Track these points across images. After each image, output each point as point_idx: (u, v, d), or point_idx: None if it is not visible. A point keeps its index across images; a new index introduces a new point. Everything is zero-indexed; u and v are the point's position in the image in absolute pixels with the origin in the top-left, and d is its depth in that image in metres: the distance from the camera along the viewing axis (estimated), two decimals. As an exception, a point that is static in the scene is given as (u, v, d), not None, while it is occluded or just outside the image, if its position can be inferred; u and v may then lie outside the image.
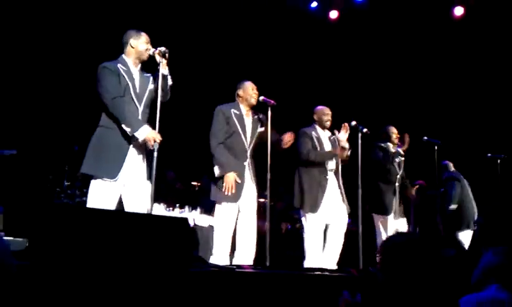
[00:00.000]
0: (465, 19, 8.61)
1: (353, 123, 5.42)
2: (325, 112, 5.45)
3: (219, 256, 4.55)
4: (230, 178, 4.58)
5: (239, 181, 4.62)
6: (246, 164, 4.76)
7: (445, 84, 8.74)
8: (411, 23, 8.59)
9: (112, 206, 3.89)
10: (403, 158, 6.02)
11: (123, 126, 3.90)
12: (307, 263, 5.13)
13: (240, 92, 4.88)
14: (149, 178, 3.94)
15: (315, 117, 5.47)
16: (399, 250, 1.89)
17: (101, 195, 3.88)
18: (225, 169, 4.60)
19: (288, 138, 4.91)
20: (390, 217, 5.85)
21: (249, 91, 4.85)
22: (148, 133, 3.90)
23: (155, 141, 3.87)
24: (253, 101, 4.84)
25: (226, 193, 4.56)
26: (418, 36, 8.68)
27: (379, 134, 6.12)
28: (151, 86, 4.18)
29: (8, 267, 0.95)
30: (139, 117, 4.03)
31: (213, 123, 4.77)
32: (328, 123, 5.44)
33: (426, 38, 8.68)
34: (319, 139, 5.36)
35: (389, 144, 6.05)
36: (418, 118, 8.06)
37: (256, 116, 4.94)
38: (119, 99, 3.92)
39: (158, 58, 4.06)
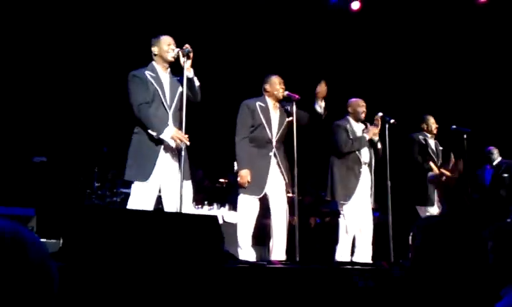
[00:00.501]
0: (489, 4, 8.43)
1: (380, 114, 5.38)
2: (360, 104, 5.41)
3: (244, 249, 4.60)
4: (243, 174, 4.63)
5: (249, 180, 4.63)
6: (271, 154, 4.77)
7: (471, 71, 8.58)
8: (435, 11, 8.45)
9: (149, 206, 3.98)
10: (441, 148, 6.01)
11: (149, 131, 4.02)
12: (339, 250, 5.20)
13: (267, 86, 4.90)
14: (186, 177, 4.07)
15: (350, 109, 5.43)
16: (435, 229, 1.85)
17: (138, 197, 4.02)
18: (241, 165, 4.68)
19: (321, 88, 4.87)
20: (434, 209, 5.81)
21: (276, 85, 4.87)
22: (173, 133, 4.01)
23: (181, 141, 3.95)
24: (280, 95, 4.85)
25: (241, 187, 4.65)
26: (441, 24, 8.53)
27: (416, 124, 6.06)
28: (181, 89, 4.21)
29: (49, 271, 0.95)
30: (170, 120, 4.11)
31: (238, 118, 4.82)
32: (363, 115, 5.40)
33: (450, 26, 8.53)
34: (353, 131, 5.35)
35: (427, 134, 5.99)
36: (445, 106, 7.92)
37: (283, 108, 4.95)
38: (144, 106, 4.03)
39: (182, 59, 4.11)
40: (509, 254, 1.92)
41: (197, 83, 4.26)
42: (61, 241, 3.08)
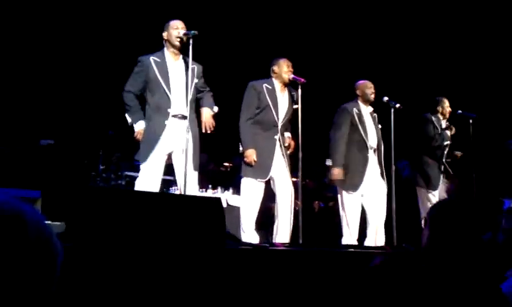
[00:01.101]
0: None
1: (385, 98, 5.35)
2: (368, 86, 5.36)
3: (247, 232, 4.62)
4: (249, 153, 4.64)
5: (255, 159, 4.65)
6: (276, 138, 4.78)
7: (478, 57, 8.51)
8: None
9: (152, 187, 4.12)
10: (450, 132, 6.00)
11: (126, 115, 4.33)
12: (345, 241, 5.13)
13: (275, 68, 4.89)
14: (195, 168, 4.24)
15: (358, 92, 5.36)
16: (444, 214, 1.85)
17: (141, 177, 4.25)
18: (245, 145, 4.68)
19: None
20: (436, 193, 5.78)
21: (284, 67, 4.86)
22: (138, 131, 4.27)
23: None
24: (287, 78, 4.84)
25: (247, 168, 4.67)
26: (449, 5, 8.46)
27: (430, 106, 6.05)
28: (191, 77, 4.26)
29: (50, 249, 0.96)
30: (172, 107, 4.20)
31: (244, 99, 4.83)
32: (372, 96, 5.33)
33: (458, 6, 8.45)
34: (360, 115, 5.26)
35: (440, 116, 5.98)
36: (451, 90, 7.88)
37: (291, 94, 4.94)
38: (128, 94, 4.31)
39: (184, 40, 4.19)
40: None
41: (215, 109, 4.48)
42: (66, 223, 3.11)
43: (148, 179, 4.16)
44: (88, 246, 2.64)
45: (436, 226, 1.82)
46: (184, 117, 4.17)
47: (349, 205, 5.16)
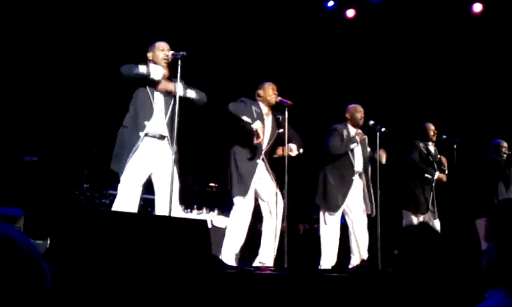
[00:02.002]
0: (484, 16, 8.49)
1: (371, 122, 5.40)
2: (358, 110, 5.43)
3: (227, 252, 4.62)
4: (256, 125, 4.61)
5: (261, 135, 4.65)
6: (259, 161, 4.79)
7: (462, 80, 8.63)
8: (428, 20, 8.50)
9: (129, 199, 4.06)
10: (439, 156, 6.06)
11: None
12: (323, 263, 5.14)
13: (260, 92, 4.94)
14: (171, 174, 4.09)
15: (348, 115, 5.44)
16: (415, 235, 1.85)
17: (120, 189, 4.14)
18: (248, 119, 4.66)
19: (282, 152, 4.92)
20: (422, 218, 5.81)
21: (269, 91, 4.91)
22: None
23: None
24: (273, 101, 4.88)
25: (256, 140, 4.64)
26: (435, 33, 8.58)
27: (415, 131, 6.12)
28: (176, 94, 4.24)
29: (40, 273, 0.94)
30: (151, 120, 4.16)
31: (233, 105, 4.79)
32: (362, 121, 5.41)
33: (443, 35, 8.58)
34: (349, 137, 5.33)
35: (428, 142, 6.05)
36: (436, 115, 7.97)
37: (276, 117, 4.96)
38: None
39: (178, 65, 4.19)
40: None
41: (191, 95, 4.32)
42: (48, 242, 3.07)
43: (126, 192, 4.13)
44: (71, 267, 2.59)
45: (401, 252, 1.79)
46: (166, 138, 4.18)
47: (329, 227, 5.22)
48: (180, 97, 4.21)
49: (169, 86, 4.22)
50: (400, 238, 1.89)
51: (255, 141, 4.63)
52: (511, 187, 6.26)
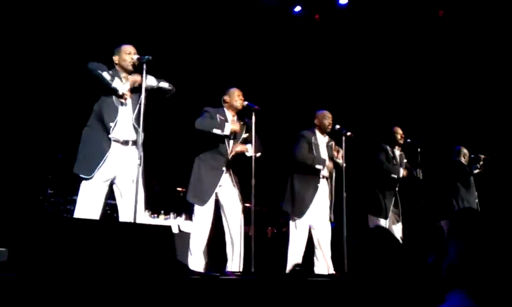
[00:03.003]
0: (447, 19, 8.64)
1: (337, 126, 5.45)
2: (326, 116, 5.47)
3: (194, 257, 4.64)
4: (232, 124, 4.75)
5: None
6: (224, 168, 4.79)
7: (428, 83, 8.78)
8: (393, 25, 8.62)
9: (94, 204, 4.02)
10: (405, 160, 6.15)
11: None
12: (289, 267, 5.18)
13: (226, 98, 4.95)
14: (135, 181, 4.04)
15: (316, 121, 5.48)
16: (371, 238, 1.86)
17: (83, 193, 4.06)
18: (218, 126, 4.73)
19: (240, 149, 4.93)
20: (386, 222, 5.86)
21: (235, 96, 4.92)
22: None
23: None
24: (239, 105, 4.89)
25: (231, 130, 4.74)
26: (402, 37, 8.71)
27: (383, 135, 6.18)
28: (140, 99, 4.19)
29: None
30: (115, 121, 4.11)
31: (198, 120, 4.78)
32: (330, 127, 5.45)
33: (409, 39, 8.72)
34: (316, 144, 5.39)
35: (394, 145, 6.11)
36: (401, 119, 8.10)
37: (241, 122, 4.96)
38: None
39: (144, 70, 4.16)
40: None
41: (164, 85, 4.36)
42: (9, 250, 2.99)
43: (90, 195, 4.07)
44: (32, 276, 2.54)
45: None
46: (130, 142, 4.16)
47: (295, 231, 5.28)
48: (150, 90, 4.22)
49: (137, 79, 4.19)
50: (353, 242, 1.92)
51: (234, 153, 4.74)
52: (470, 188, 6.48)
